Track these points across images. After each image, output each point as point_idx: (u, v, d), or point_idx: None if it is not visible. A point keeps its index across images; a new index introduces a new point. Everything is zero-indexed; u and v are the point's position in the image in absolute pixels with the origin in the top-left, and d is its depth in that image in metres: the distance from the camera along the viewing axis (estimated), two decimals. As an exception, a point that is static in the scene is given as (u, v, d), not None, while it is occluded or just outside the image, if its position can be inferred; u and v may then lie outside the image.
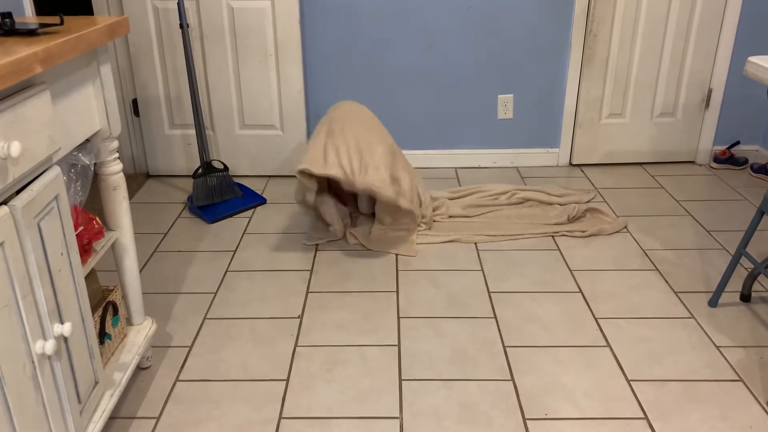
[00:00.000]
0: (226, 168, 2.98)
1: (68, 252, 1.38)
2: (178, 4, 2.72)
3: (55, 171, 1.35)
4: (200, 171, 2.91)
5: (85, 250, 1.57)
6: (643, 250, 2.54)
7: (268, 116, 3.18)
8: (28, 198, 1.23)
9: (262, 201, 3.00)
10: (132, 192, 3.13)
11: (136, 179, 3.25)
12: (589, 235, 2.65)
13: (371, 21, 3.13)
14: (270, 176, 3.31)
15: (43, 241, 1.27)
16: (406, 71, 3.23)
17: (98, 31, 1.46)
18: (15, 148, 1.14)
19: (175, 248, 2.61)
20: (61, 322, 1.34)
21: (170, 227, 2.78)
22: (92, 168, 1.55)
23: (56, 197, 1.34)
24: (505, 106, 3.32)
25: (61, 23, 1.36)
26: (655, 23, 3.13)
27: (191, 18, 2.99)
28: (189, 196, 2.98)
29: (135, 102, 3.17)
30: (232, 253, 2.56)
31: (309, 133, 3.34)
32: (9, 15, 1.40)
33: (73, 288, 1.39)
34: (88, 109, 1.54)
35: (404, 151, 3.39)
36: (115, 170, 1.68)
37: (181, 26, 2.74)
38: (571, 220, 2.75)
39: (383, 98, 3.29)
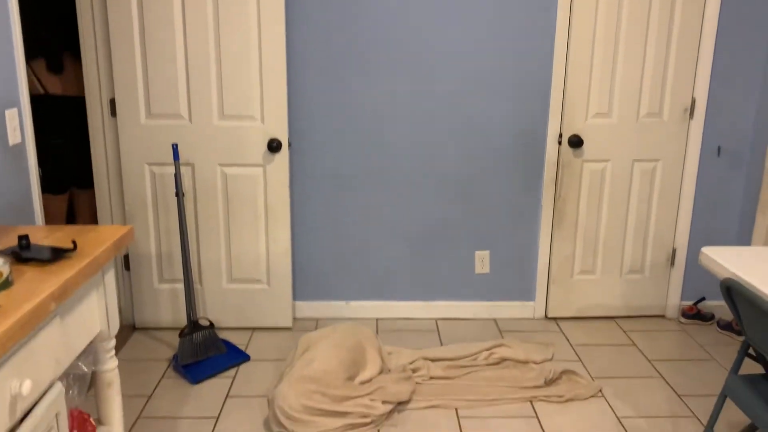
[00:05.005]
0: (211, 325, 3.06)
1: (63, 467, 1.43)
2: (175, 175, 2.90)
3: (57, 389, 1.42)
4: (186, 330, 2.98)
5: (77, 454, 1.61)
6: (618, 418, 2.62)
7: (255, 272, 3.30)
8: (32, 426, 1.29)
9: (245, 359, 3.05)
10: (117, 346, 3.16)
11: (122, 332, 3.30)
12: (566, 401, 2.73)
13: (356, 185, 3.34)
14: (254, 328, 3.38)
15: (42, 465, 1.33)
16: (388, 229, 3.41)
17: (107, 251, 1.58)
18: (26, 387, 1.22)
19: (158, 414, 2.62)
20: None
21: (155, 388, 2.81)
22: (90, 374, 1.63)
23: (56, 415, 1.41)
24: (482, 261, 3.49)
25: (74, 249, 1.49)
26: (620, 190, 3.37)
27: (186, 181, 3.17)
28: (174, 354, 3.03)
29: (126, 258, 3.28)
30: (215, 420, 2.59)
31: (294, 287, 3.45)
32: (26, 238, 1.52)
33: (64, 504, 1.43)
34: (90, 317, 1.63)
35: (387, 302, 3.51)
36: (110, 367, 1.76)
37: (177, 195, 2.91)
38: (548, 383, 2.83)
39: (367, 254, 3.44)
